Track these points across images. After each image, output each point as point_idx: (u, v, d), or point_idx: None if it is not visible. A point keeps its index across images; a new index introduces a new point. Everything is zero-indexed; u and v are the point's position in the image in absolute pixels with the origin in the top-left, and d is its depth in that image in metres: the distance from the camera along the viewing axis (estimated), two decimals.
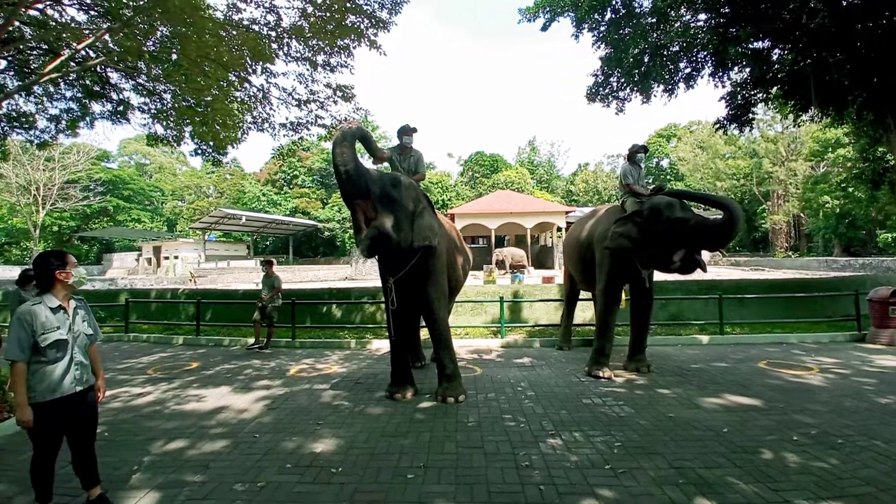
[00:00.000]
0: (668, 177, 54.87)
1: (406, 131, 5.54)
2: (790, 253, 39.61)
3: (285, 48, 7.94)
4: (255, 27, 7.61)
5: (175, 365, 6.95)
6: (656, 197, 5.46)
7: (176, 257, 39.30)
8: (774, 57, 9.18)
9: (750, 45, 8.90)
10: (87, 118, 9.36)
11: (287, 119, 9.33)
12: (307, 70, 8.52)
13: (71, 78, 8.30)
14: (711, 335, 7.93)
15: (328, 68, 8.26)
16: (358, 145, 4.19)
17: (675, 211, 5.15)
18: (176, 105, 8.90)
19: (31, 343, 2.60)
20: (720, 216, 4.84)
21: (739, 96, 10.06)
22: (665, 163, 57.35)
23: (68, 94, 8.87)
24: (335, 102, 8.97)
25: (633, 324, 6.05)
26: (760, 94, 10.11)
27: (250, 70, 8.34)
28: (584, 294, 7.74)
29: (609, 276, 5.83)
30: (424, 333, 6.61)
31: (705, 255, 32.90)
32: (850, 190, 30.45)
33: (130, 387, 5.66)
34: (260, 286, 8.48)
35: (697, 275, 5.45)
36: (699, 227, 4.95)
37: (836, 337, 7.77)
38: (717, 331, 8.14)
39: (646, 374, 5.70)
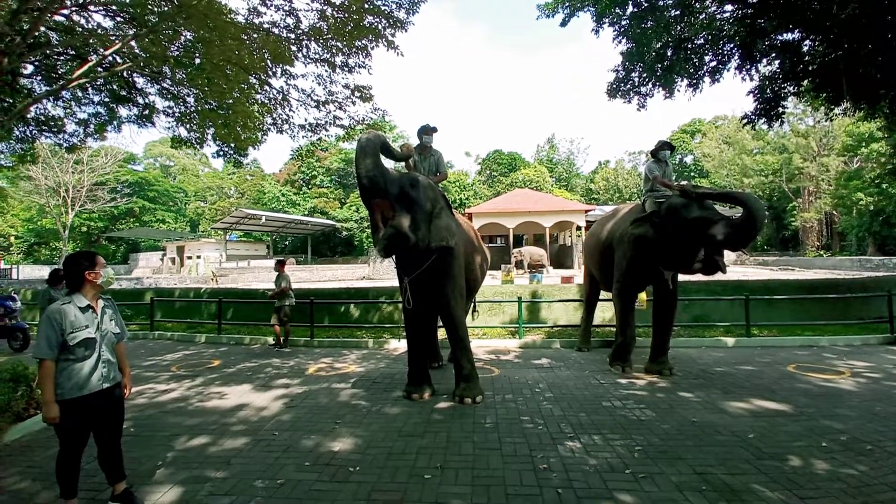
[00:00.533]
0: (693, 174, 53.60)
1: (426, 131, 5.58)
2: (822, 252, 38.25)
3: (304, 50, 8.07)
4: (275, 30, 7.76)
5: (198, 362, 7.15)
6: (673, 197, 5.40)
7: (198, 257, 40.35)
8: (805, 49, 8.86)
9: (779, 37, 8.61)
10: (115, 122, 9.69)
11: (306, 120, 9.47)
12: (326, 71, 8.63)
13: (98, 83, 8.59)
14: (737, 337, 7.75)
15: (346, 69, 8.36)
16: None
17: (692, 210, 5.05)
18: (199, 108, 9.14)
19: (59, 341, 2.69)
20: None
21: (768, 90, 9.73)
22: (689, 159, 56.08)
23: (96, 98, 9.18)
24: (353, 103, 9.05)
25: (656, 325, 5.96)
26: (791, 88, 9.77)
27: (270, 73, 8.50)
28: (604, 294, 7.65)
29: (625, 278, 5.83)
30: (442, 333, 6.63)
31: (731, 254, 32.06)
32: (885, 186, 29.21)
33: (155, 383, 5.84)
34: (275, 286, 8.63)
35: (721, 275, 5.33)
36: (718, 226, 4.84)
37: (869, 339, 7.49)
38: (743, 333, 7.94)
39: (668, 377, 5.60)
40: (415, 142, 5.84)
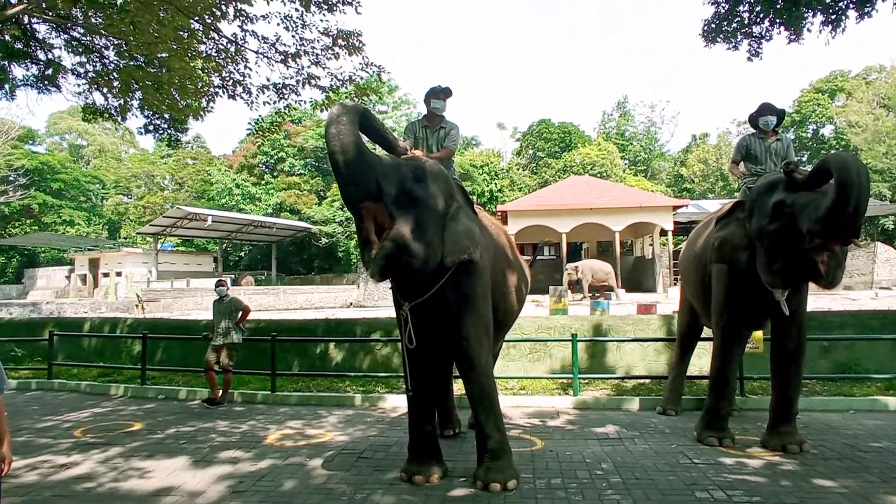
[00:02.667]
0: (833, 151, 52.56)
1: (436, 94, 5.69)
2: None
3: None
4: None
5: (113, 425, 7.29)
6: (760, 179, 5.57)
7: (119, 274, 41.29)
8: None
9: None
10: (6, 86, 10.09)
11: (269, 80, 9.69)
12: (296, 9, 8.85)
13: None
14: None
15: (325, 7, 8.56)
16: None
17: (774, 192, 5.10)
18: (120, 65, 9.47)
19: None
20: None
21: None
22: (828, 130, 55.09)
23: None
24: (336, 56, 9.27)
25: (776, 377, 5.86)
26: None
27: (219, 14, 8.76)
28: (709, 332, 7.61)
29: (725, 305, 5.83)
30: (459, 386, 6.61)
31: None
32: None
33: (53, 454, 5.95)
34: (213, 316, 8.72)
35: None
36: (802, 211, 4.81)
37: None
38: None
39: (797, 455, 5.46)
40: (423, 113, 5.97)
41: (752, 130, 6.51)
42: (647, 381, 8.79)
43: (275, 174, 53.19)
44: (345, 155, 3.90)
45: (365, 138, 4.22)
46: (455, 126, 5.78)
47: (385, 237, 4.16)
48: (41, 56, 9.91)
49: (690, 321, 7.47)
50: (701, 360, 8.71)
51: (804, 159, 54.76)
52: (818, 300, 8.61)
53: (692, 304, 7.23)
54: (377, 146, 4.73)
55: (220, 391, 8.41)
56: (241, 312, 8.58)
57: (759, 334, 7.02)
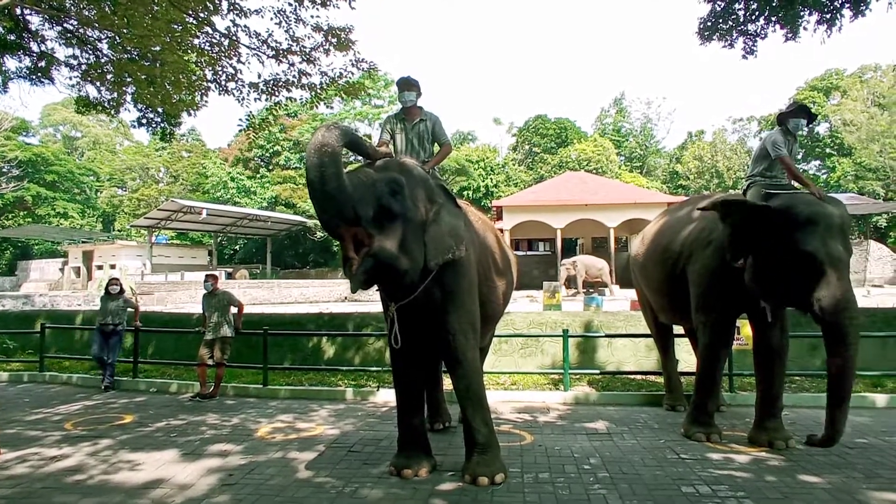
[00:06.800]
0: (828, 150, 52.74)
1: (405, 86, 5.61)
2: None
3: None
4: None
5: (103, 417, 7.29)
6: (814, 203, 5.25)
7: (113, 266, 41.13)
8: None
9: None
10: (0, 77, 10.04)
11: (259, 76, 9.64)
12: (289, 4, 8.81)
13: None
14: (892, 394, 7.60)
15: (316, 3, 8.52)
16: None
17: (832, 236, 5.10)
18: (114, 58, 9.42)
19: None
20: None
21: None
22: (823, 128, 55.22)
23: None
24: (326, 52, 9.22)
25: (760, 374, 5.89)
26: None
27: (212, 7, 8.71)
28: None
29: (715, 302, 5.77)
30: (449, 380, 6.66)
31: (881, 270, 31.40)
32: None
33: (41, 446, 5.95)
34: (203, 310, 8.73)
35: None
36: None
37: None
38: None
39: (783, 451, 5.51)
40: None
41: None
42: (638, 376, 8.84)
43: (270, 168, 53.09)
44: (323, 185, 3.85)
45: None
46: (437, 117, 5.68)
47: (364, 253, 4.16)
48: (34, 48, 9.86)
49: (654, 319, 7.48)
50: (688, 357, 8.77)
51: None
52: None
53: (650, 300, 7.24)
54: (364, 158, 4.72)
55: (212, 385, 8.44)
56: (233, 307, 8.59)
57: (747, 330, 7.06)
